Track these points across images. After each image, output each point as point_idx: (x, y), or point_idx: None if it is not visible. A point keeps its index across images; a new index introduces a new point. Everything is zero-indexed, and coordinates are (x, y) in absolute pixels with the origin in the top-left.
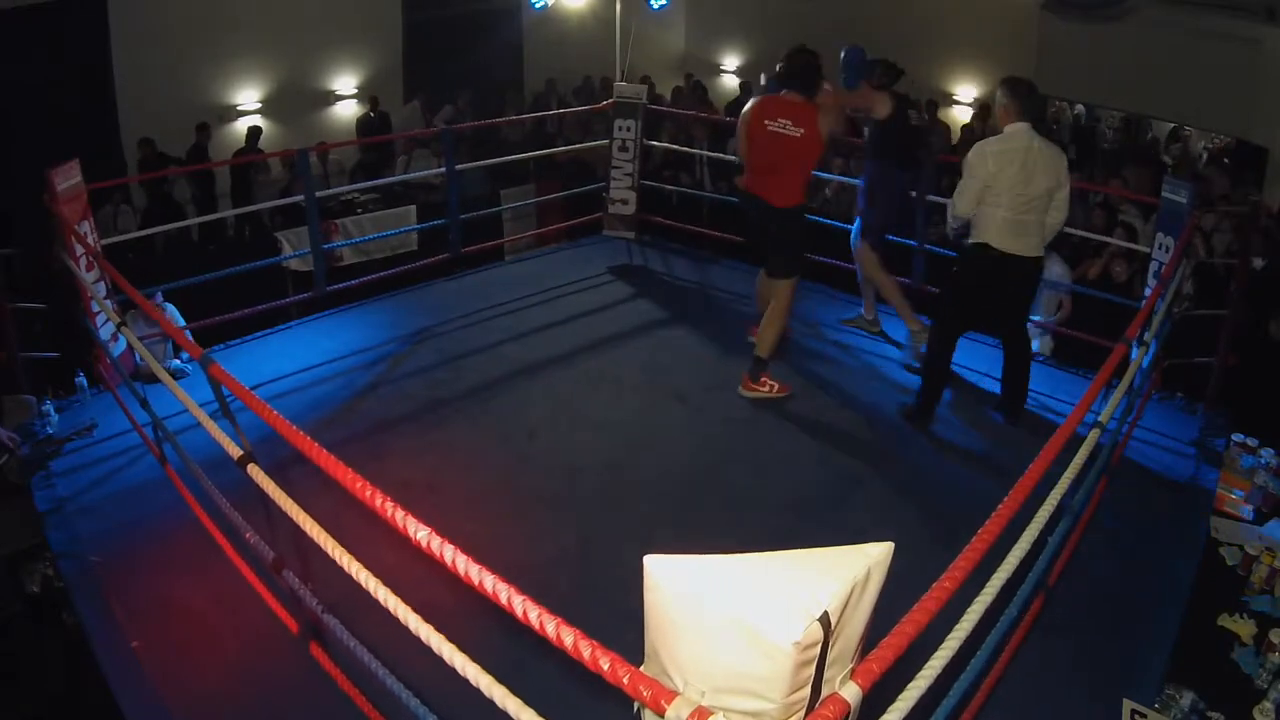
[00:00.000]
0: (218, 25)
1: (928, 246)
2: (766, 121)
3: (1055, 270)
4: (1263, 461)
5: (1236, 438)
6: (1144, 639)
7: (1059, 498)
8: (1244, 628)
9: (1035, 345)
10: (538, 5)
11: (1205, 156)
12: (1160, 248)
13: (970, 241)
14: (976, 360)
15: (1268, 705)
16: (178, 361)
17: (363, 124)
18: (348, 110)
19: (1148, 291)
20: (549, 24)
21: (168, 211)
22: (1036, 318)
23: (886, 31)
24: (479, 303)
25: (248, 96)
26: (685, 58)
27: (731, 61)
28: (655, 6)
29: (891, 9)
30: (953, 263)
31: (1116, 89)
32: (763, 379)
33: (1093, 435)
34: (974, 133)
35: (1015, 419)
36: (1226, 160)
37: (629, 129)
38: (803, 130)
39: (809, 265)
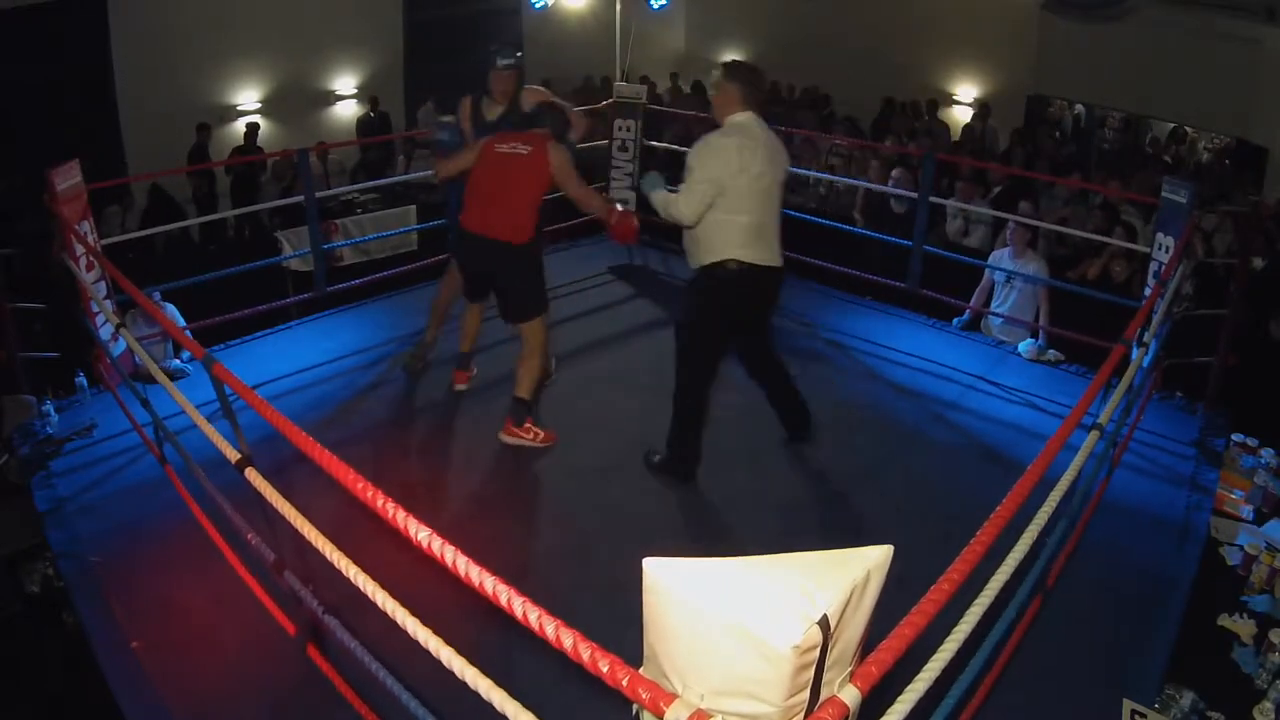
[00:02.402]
0: (218, 25)
1: (925, 248)
2: (497, 145)
3: (1031, 268)
4: (1263, 461)
5: (1236, 438)
6: (1144, 639)
7: (1058, 498)
8: (1244, 628)
9: (1022, 348)
10: (538, 5)
11: (1207, 155)
12: (1160, 248)
13: (707, 262)
14: (971, 361)
15: (1268, 705)
16: (178, 361)
17: (363, 124)
18: (348, 110)
19: (1147, 291)
20: (549, 24)
21: (168, 211)
22: (1021, 315)
23: (886, 32)
24: None
25: (248, 96)
26: (685, 58)
27: None
28: (655, 6)
29: (891, 9)
30: (695, 289)
31: (1116, 89)
32: (526, 424)
33: (1092, 435)
34: (974, 133)
35: (807, 433)
36: (1227, 160)
37: (629, 129)
38: (530, 149)
39: (812, 268)
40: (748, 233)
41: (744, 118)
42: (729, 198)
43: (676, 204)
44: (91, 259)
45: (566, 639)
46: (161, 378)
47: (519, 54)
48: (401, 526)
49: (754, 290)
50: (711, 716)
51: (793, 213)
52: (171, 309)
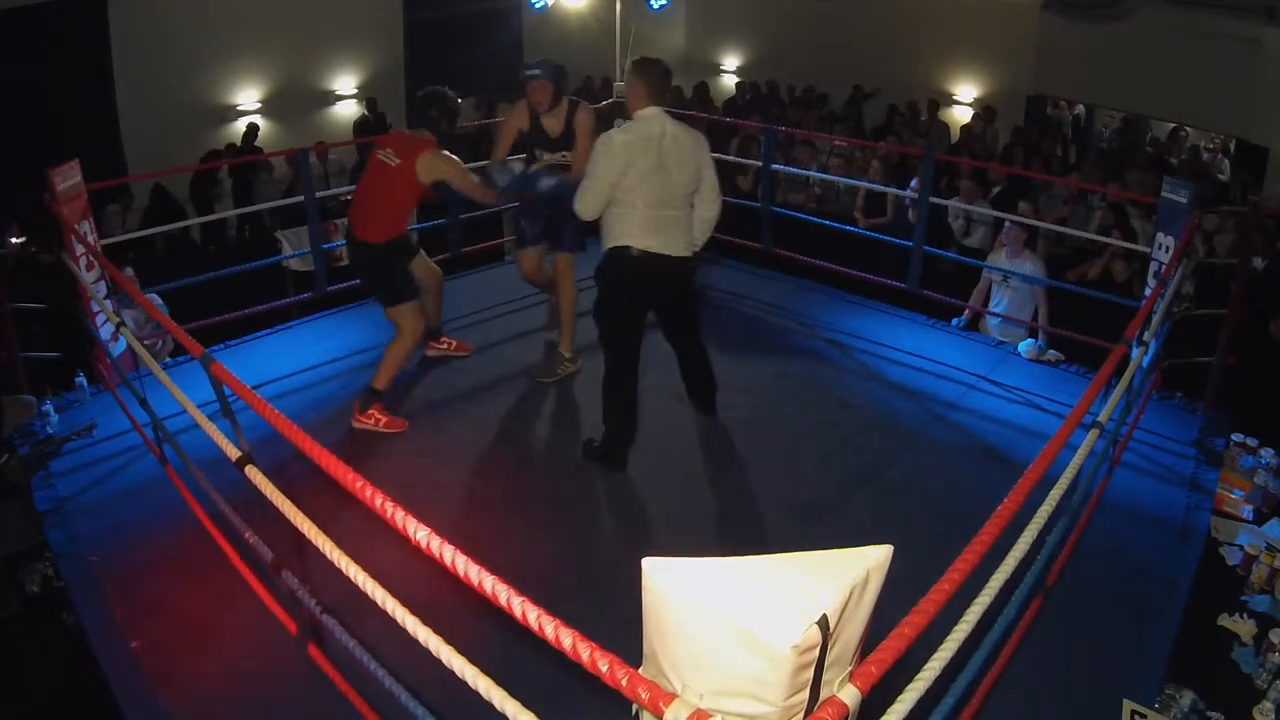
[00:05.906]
0: (218, 25)
1: (925, 248)
2: (378, 151)
3: (1028, 267)
4: (1263, 461)
5: (1236, 438)
6: (1144, 639)
7: (1058, 498)
8: (1244, 628)
9: (1023, 348)
10: (538, 5)
11: (1220, 157)
12: (1160, 248)
13: (607, 247)
14: (971, 361)
15: (1268, 705)
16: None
17: (360, 126)
18: (348, 110)
19: (1148, 291)
20: (549, 24)
21: (168, 211)
22: (1019, 315)
23: (886, 31)
24: (479, 303)
25: (248, 96)
26: (685, 58)
27: (731, 61)
28: (655, 6)
29: (891, 9)
30: (600, 273)
31: (1116, 89)
32: (371, 410)
33: (1092, 435)
34: (973, 133)
35: (711, 410)
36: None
37: None
38: (399, 161)
39: (809, 267)
40: (645, 222)
41: (645, 113)
42: (622, 190)
43: (577, 202)
44: (91, 259)
45: (566, 639)
46: (163, 377)
47: (551, 65)
48: (401, 526)
49: (651, 275)
50: (711, 716)
51: (793, 213)
52: (155, 299)
